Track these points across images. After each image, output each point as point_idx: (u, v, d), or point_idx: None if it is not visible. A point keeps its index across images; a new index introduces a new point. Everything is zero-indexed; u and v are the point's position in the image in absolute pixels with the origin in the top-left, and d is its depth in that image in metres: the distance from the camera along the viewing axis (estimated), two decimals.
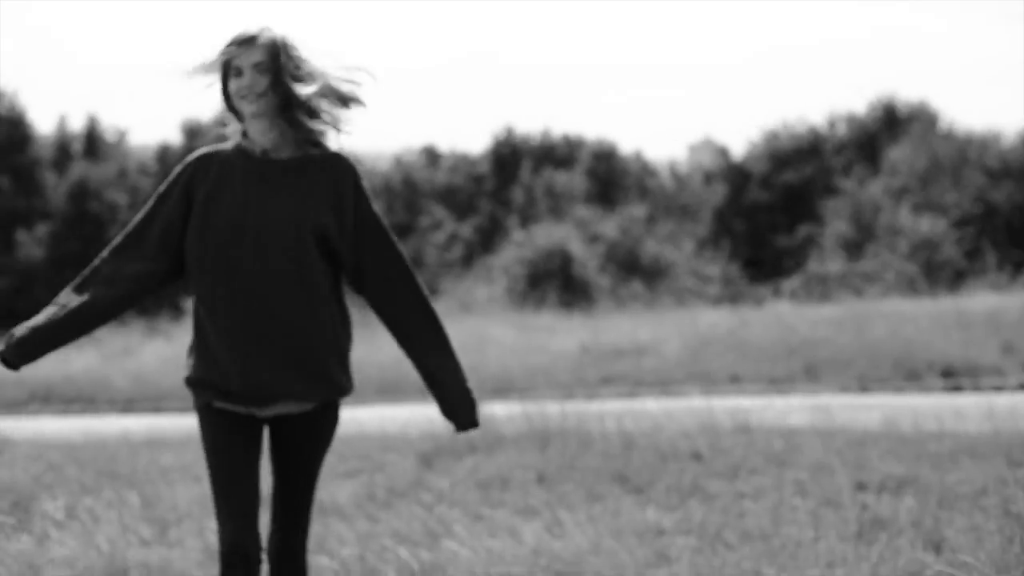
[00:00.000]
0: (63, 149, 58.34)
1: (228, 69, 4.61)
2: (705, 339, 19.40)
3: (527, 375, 16.87)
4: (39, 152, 55.44)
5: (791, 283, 35.63)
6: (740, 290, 38.68)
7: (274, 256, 4.59)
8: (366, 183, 4.71)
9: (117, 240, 4.75)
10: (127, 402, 18.37)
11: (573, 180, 54.68)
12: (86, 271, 4.73)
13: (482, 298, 34.72)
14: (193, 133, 51.93)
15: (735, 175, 55.33)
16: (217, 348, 4.64)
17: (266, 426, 4.77)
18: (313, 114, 4.65)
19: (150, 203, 4.73)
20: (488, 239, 50.53)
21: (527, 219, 48.52)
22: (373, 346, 20.36)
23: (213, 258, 4.61)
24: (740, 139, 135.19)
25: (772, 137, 55.85)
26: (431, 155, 64.49)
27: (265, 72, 4.57)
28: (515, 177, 57.13)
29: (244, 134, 4.70)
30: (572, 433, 10.33)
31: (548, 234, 36.31)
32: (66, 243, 50.81)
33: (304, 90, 4.61)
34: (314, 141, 4.70)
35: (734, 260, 44.82)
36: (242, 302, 4.59)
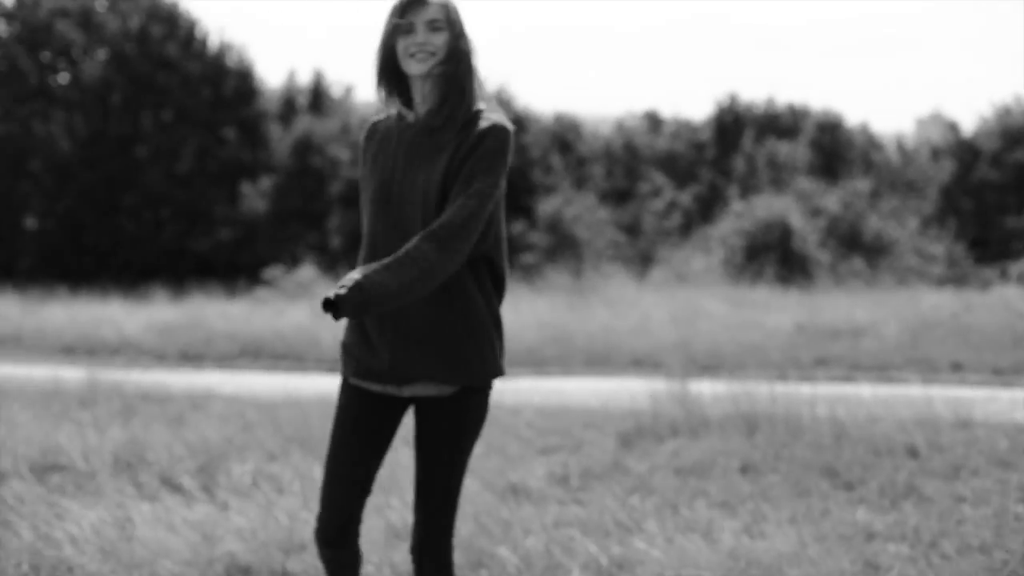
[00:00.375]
0: (289, 103, 59.01)
1: (396, 29, 4.50)
2: (927, 322, 18.59)
3: (738, 353, 16.31)
4: (265, 106, 56.15)
5: (1019, 266, 34.24)
6: (965, 271, 37.36)
7: (412, 230, 4.43)
8: (495, 150, 4.42)
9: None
10: (334, 362, 18.29)
11: (796, 151, 53.42)
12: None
13: (698, 268, 34.23)
14: None
15: (964, 151, 53.53)
16: (368, 320, 4.49)
17: (411, 408, 4.63)
18: (471, 82, 4.54)
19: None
20: (707, 208, 49.73)
21: (748, 189, 47.61)
22: (582, 316, 20.05)
23: (367, 229, 4.57)
24: (971, 114, 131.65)
25: (1004, 113, 53.92)
26: (653, 120, 63.69)
27: (438, 30, 4.48)
28: (737, 146, 56.12)
29: (407, 101, 4.59)
30: (781, 419, 9.79)
31: (768, 206, 35.45)
32: (288, 197, 51.35)
33: (472, 57, 4.54)
34: (472, 108, 4.52)
35: (960, 240, 43.30)
36: None
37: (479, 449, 9.35)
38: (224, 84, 54.95)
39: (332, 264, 41.26)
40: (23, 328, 21.79)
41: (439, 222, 4.27)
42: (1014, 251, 42.17)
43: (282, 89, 60.05)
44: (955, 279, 32.90)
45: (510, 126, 4.45)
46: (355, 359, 4.55)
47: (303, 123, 53.82)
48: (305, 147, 52.66)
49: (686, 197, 54.66)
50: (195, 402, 12.14)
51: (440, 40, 4.45)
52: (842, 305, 20.72)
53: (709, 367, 15.56)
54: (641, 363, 16.11)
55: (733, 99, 59.71)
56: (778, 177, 49.91)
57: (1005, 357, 15.82)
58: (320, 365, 18.14)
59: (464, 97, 4.49)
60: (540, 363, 16.72)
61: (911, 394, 11.33)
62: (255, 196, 51.85)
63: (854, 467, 8.54)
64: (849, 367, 15.59)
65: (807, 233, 34.63)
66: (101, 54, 53.97)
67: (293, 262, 39.95)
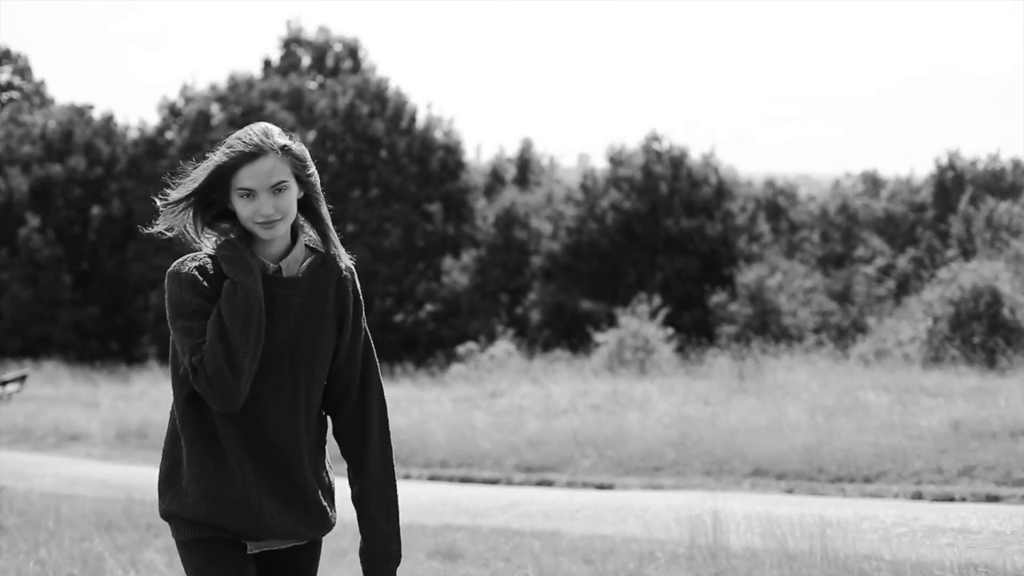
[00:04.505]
0: (496, 175, 58.40)
1: (226, 183, 4.03)
2: None
3: (873, 461, 14.00)
4: (472, 179, 55.59)
5: None
6: None
7: (304, 387, 4.20)
8: (360, 289, 4.30)
9: None
10: (440, 466, 16.69)
11: (1012, 210, 49.54)
12: None
13: (904, 339, 32.06)
14: (616, 162, 50.36)
15: None
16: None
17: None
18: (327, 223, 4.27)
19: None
20: (925, 273, 46.91)
21: (965, 253, 44.72)
22: (720, 410, 17.83)
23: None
24: None
25: None
26: (872, 181, 60.94)
27: (284, 191, 4.04)
28: (955, 206, 52.80)
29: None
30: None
31: (976, 271, 32.66)
32: (490, 271, 50.40)
33: (323, 206, 4.25)
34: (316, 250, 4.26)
35: None
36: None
37: None
38: (431, 159, 54.48)
39: (530, 339, 39.95)
40: None
41: (381, 401, 4.30)
42: None
43: (490, 160, 59.75)
44: None
45: (351, 265, 4.25)
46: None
47: (508, 195, 52.79)
48: (509, 220, 51.56)
49: (904, 261, 51.83)
50: None
51: (288, 200, 4.04)
52: None
53: (838, 479, 13.57)
54: (762, 473, 14.13)
55: (953, 156, 56.50)
56: (997, 239, 46.62)
57: None
58: (423, 472, 16.54)
59: (329, 248, 4.22)
60: (655, 471, 14.90)
61: None
62: (457, 271, 51.01)
63: None
64: (999, 480, 13.12)
65: (1019, 302, 31.74)
66: (310, 135, 53.90)
67: (489, 338, 38.92)
